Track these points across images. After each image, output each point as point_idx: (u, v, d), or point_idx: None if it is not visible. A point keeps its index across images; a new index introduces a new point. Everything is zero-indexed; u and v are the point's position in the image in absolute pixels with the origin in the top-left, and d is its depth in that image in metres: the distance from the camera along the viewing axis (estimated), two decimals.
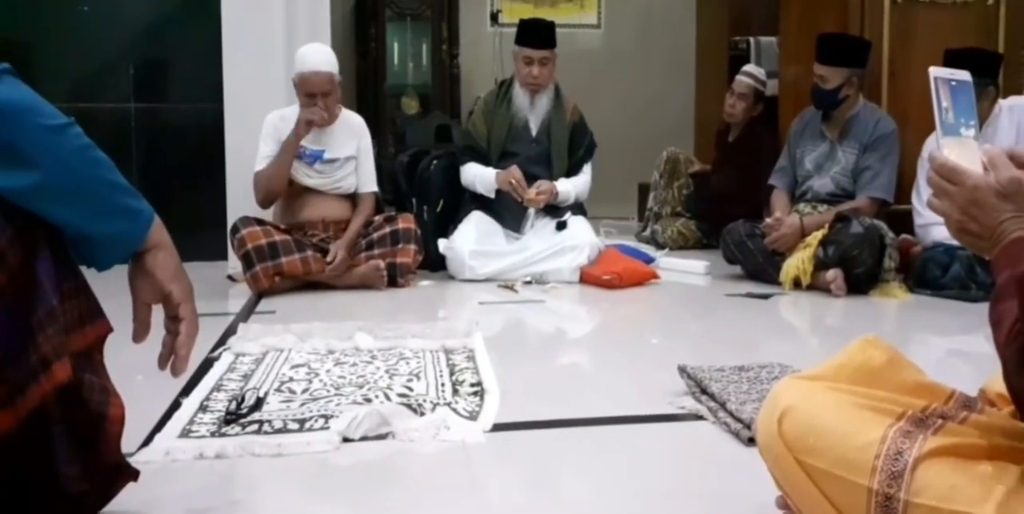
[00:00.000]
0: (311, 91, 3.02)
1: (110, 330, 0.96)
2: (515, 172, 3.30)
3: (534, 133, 3.48)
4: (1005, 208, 0.84)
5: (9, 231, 0.84)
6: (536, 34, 3.41)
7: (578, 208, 3.50)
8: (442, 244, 3.30)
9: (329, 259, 3.01)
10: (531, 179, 3.37)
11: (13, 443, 0.85)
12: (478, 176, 3.40)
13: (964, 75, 0.92)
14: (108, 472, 0.97)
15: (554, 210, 3.42)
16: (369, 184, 3.22)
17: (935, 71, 0.91)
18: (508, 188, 3.30)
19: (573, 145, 3.49)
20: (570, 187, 3.42)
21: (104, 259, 0.96)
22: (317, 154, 3.11)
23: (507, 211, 3.37)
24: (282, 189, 3.08)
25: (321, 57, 3.06)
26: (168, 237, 1.00)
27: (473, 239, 3.27)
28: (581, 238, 3.27)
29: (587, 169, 3.51)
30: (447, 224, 3.44)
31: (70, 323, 0.90)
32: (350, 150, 3.17)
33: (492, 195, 3.37)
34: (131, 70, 3.59)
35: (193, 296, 1.01)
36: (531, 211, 3.38)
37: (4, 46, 3.45)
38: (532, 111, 3.45)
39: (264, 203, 3.11)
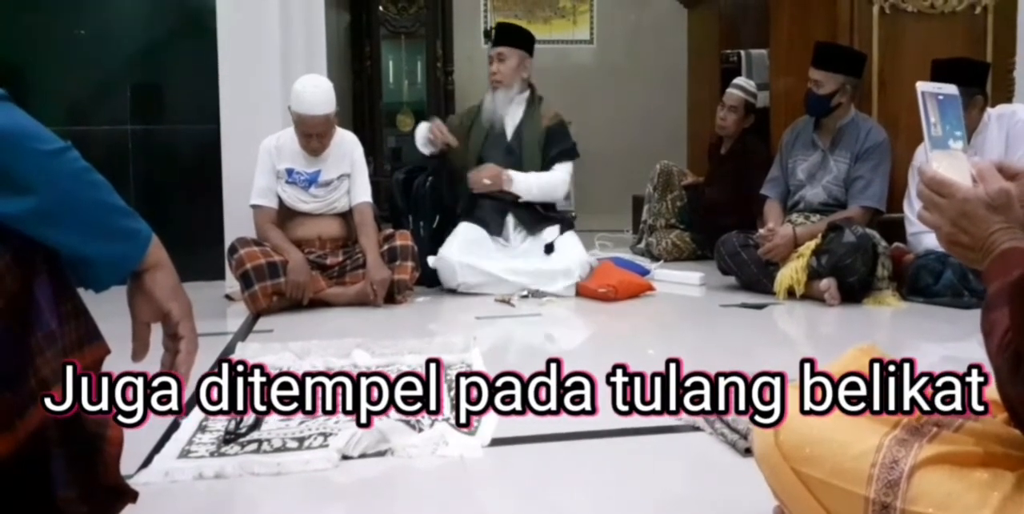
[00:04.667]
0: (308, 132, 3.02)
1: (108, 352, 0.96)
2: (435, 120, 3.49)
3: (508, 138, 3.53)
4: (994, 220, 0.85)
5: (7, 255, 0.85)
6: (496, 34, 3.67)
7: (566, 223, 3.50)
8: (431, 259, 3.31)
9: (372, 299, 2.99)
10: None
11: (11, 466, 0.85)
12: (419, 130, 3.53)
13: (951, 89, 0.93)
14: (107, 494, 0.96)
15: (536, 225, 3.42)
16: (363, 194, 3.17)
17: (922, 86, 0.91)
18: (435, 135, 3.41)
19: (547, 148, 3.51)
20: (532, 180, 3.43)
21: (102, 280, 0.96)
22: (312, 177, 3.11)
23: (488, 216, 3.43)
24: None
25: (319, 98, 2.96)
26: (166, 256, 1.00)
27: (461, 246, 3.29)
28: (569, 260, 3.26)
29: (559, 168, 3.49)
30: (443, 240, 3.45)
31: (69, 346, 0.91)
32: (344, 168, 3.17)
33: (425, 151, 3.48)
34: (128, 92, 3.60)
35: (192, 314, 1.01)
36: (510, 216, 3.40)
37: (0, 71, 3.46)
38: (497, 107, 3.52)
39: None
